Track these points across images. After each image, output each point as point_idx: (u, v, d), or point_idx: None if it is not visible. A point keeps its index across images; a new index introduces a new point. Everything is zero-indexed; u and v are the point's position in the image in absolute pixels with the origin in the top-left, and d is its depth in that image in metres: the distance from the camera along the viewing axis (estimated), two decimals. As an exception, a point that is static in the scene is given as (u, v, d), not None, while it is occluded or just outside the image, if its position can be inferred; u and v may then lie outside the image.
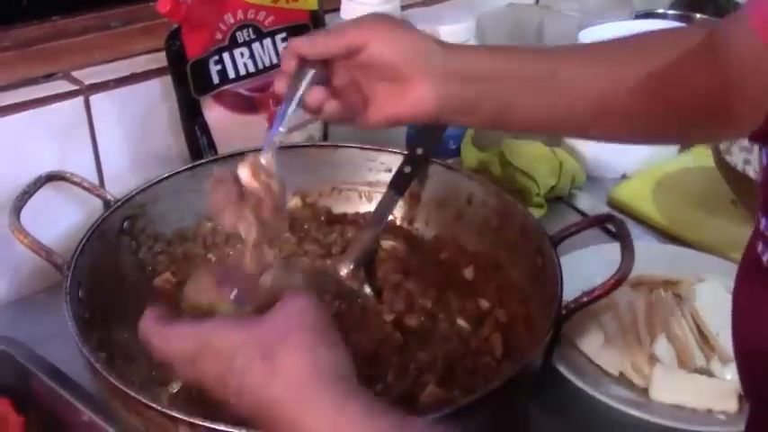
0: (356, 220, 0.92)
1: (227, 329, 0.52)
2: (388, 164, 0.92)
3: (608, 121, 0.68)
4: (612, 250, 0.75)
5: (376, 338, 0.76)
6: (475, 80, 0.66)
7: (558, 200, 1.07)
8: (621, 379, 0.77)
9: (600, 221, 0.84)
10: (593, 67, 0.67)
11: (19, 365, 0.70)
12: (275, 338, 0.50)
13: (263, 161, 0.64)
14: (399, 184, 0.89)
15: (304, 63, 0.65)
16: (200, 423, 0.58)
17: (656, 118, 0.67)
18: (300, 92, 0.65)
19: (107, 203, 0.81)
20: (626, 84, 0.65)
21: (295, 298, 0.54)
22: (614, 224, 0.78)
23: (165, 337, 0.54)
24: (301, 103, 0.66)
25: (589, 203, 1.06)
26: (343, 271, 0.83)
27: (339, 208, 0.94)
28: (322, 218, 0.92)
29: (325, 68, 0.67)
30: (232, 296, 0.58)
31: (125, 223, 0.81)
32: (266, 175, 0.63)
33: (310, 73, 0.66)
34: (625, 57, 0.67)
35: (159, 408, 0.59)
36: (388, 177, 0.90)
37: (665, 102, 0.66)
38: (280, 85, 0.66)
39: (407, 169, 0.90)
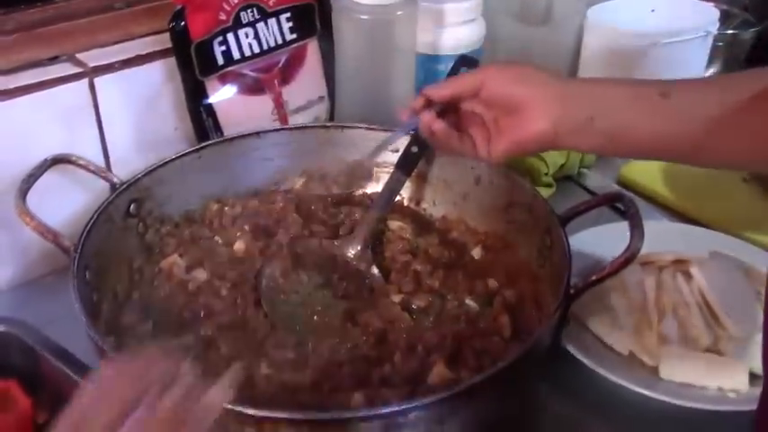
0: (363, 201, 0.92)
1: None
2: (395, 144, 0.91)
3: (720, 144, 0.67)
4: (622, 229, 0.74)
5: (384, 319, 0.76)
6: (588, 100, 0.69)
7: (567, 179, 1.06)
8: (631, 358, 0.77)
9: (609, 200, 0.83)
10: (704, 93, 0.68)
11: (27, 347, 0.70)
12: None
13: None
14: (406, 165, 0.88)
15: (430, 104, 0.75)
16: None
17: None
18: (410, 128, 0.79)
19: (113, 186, 0.81)
20: (737, 109, 0.65)
21: None
22: (624, 202, 0.77)
23: None
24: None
25: (599, 182, 1.05)
26: (351, 252, 0.83)
27: (346, 188, 0.93)
28: (329, 199, 0.92)
29: (454, 111, 0.75)
30: None
31: (131, 206, 0.81)
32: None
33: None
34: (735, 84, 0.68)
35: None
36: (395, 158, 0.89)
37: None
38: (404, 116, 0.77)
39: (415, 149, 0.89)
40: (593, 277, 0.71)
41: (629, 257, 0.70)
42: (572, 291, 0.70)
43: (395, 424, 0.59)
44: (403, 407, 0.60)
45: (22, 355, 0.70)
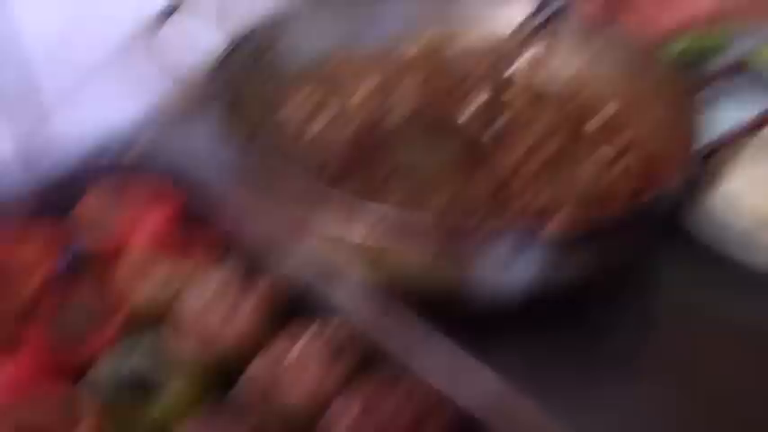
0: (480, 63, 0.89)
1: None
2: (517, 13, 0.89)
3: None
4: (757, 103, 0.70)
5: (499, 180, 0.75)
6: None
7: (697, 59, 1.01)
8: (758, 232, 0.73)
9: (743, 66, 0.79)
10: None
11: (167, 171, 0.71)
12: None
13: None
14: (534, 29, 0.86)
15: None
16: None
17: None
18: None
19: (233, 37, 0.81)
20: None
21: None
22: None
23: None
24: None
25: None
26: (468, 113, 0.82)
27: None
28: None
29: None
30: None
31: (252, 56, 0.81)
32: None
33: None
34: None
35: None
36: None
37: None
38: None
39: (539, 18, 0.86)
40: (729, 136, 0.68)
41: (765, 119, 0.67)
42: (704, 152, 0.68)
43: (519, 247, 0.60)
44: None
45: (163, 173, 0.71)
